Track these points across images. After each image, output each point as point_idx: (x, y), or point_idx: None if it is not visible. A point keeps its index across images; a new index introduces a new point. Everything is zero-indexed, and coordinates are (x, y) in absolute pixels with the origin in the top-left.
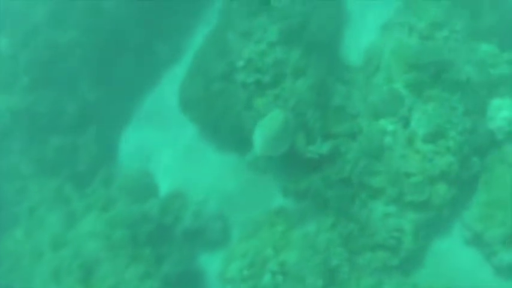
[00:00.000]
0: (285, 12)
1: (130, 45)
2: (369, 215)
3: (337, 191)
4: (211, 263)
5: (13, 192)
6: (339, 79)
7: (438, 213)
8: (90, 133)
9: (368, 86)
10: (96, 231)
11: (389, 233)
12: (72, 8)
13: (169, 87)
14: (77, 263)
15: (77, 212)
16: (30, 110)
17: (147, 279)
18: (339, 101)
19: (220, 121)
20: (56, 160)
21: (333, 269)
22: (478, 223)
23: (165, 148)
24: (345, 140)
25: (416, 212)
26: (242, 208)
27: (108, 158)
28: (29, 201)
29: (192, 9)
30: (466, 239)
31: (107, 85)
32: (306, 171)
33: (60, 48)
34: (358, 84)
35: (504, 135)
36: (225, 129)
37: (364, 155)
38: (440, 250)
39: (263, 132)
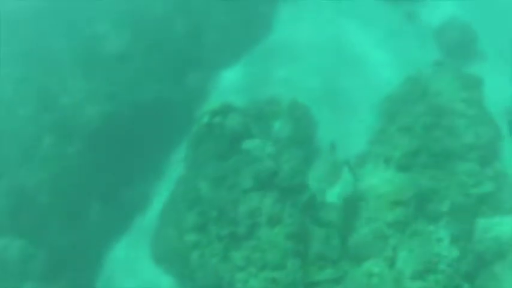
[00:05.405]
0: (255, 155)
1: (96, 190)
2: None
3: None
4: None
5: None
6: (317, 221)
7: None
8: (62, 282)
9: (348, 227)
10: None
11: None
12: (36, 151)
13: (138, 236)
14: None
15: None
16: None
17: None
18: (319, 247)
19: (197, 273)
20: None
21: None
22: None
23: None
24: (329, 287)
25: None
26: None
27: None
28: None
29: (159, 152)
30: None
31: (76, 232)
32: None
33: (26, 192)
34: (337, 226)
35: (493, 255)
36: (203, 282)
37: None
38: None
39: None
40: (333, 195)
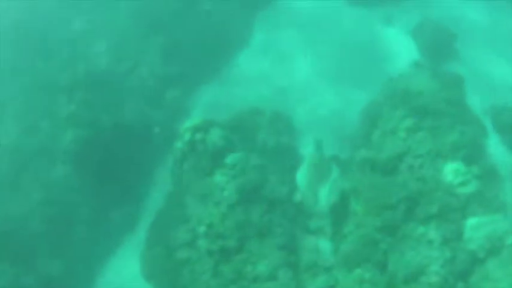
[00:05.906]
0: (240, 168)
1: (84, 214)
2: None
3: None
4: None
5: None
6: (306, 229)
7: None
8: None
9: (337, 234)
10: None
11: None
12: (20, 179)
13: (128, 256)
14: None
15: None
16: None
17: None
18: (310, 255)
19: None
20: None
21: None
22: None
23: None
24: None
25: None
26: None
27: None
28: None
29: (143, 171)
30: None
31: (66, 256)
32: None
33: (13, 221)
34: (327, 233)
35: (485, 252)
36: None
37: None
38: None
39: None
40: (321, 202)
